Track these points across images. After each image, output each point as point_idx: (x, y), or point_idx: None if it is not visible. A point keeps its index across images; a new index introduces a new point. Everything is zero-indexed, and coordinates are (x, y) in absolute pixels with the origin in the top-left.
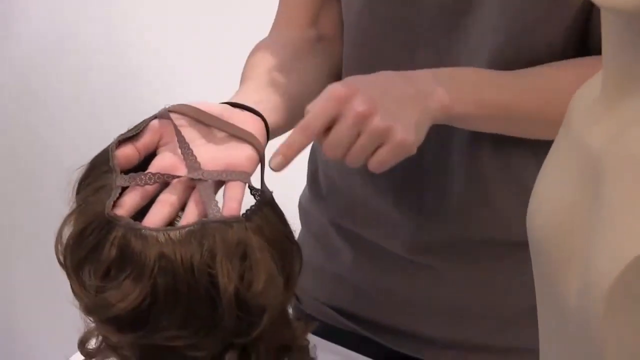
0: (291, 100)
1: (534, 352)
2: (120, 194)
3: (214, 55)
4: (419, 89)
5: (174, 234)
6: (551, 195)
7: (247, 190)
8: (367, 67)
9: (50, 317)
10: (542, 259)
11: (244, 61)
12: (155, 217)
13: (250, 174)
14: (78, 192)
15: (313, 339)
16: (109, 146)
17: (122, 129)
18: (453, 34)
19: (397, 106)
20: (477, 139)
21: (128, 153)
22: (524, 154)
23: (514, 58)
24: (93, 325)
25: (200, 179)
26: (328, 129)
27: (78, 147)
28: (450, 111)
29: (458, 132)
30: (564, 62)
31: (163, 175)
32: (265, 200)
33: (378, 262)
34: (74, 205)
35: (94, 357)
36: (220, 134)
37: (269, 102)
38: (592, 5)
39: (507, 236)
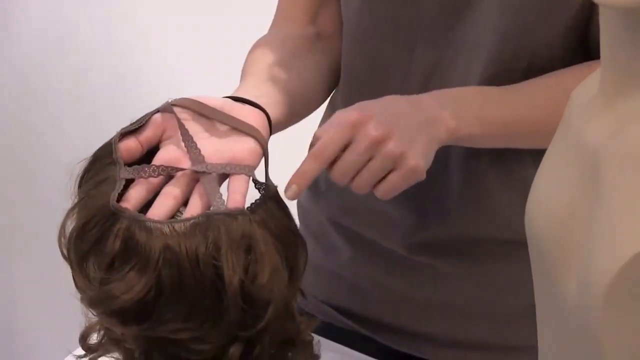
0: (291, 96)
1: (534, 350)
2: (124, 187)
3: (214, 55)
4: (426, 115)
5: (178, 225)
6: (550, 193)
7: (251, 184)
8: (366, 65)
9: (50, 317)
10: (541, 257)
11: (244, 60)
12: (159, 210)
13: (254, 168)
14: (80, 185)
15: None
16: (111, 139)
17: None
18: (452, 33)
19: (409, 132)
20: None
21: (130, 146)
22: (522, 152)
23: (512, 58)
24: (94, 320)
25: (204, 172)
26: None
27: (78, 147)
28: (456, 134)
29: None
30: (565, 70)
31: (167, 167)
32: (269, 194)
33: (377, 261)
34: (77, 199)
35: (95, 352)
36: (223, 128)
37: (269, 97)
38: (593, 5)
39: (506, 235)
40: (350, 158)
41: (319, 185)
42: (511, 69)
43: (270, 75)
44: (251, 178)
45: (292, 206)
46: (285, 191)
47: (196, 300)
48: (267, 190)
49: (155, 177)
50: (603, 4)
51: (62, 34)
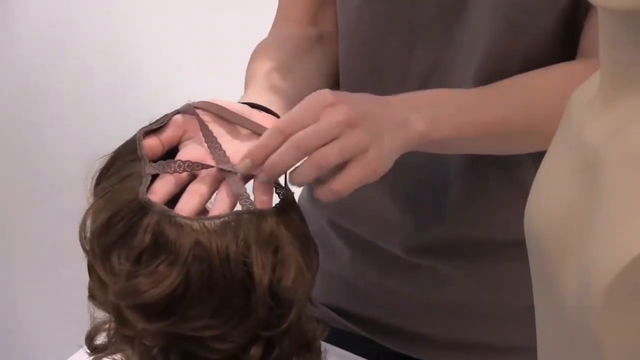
0: (295, 100)
1: (534, 351)
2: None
3: (215, 55)
4: (395, 116)
5: (209, 222)
6: (550, 194)
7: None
8: (365, 66)
9: (50, 317)
10: (540, 257)
11: (244, 61)
12: (186, 206)
13: None
14: (99, 182)
15: None
16: (135, 136)
17: (122, 129)
18: (451, 33)
19: (377, 129)
20: None
21: (152, 144)
22: (522, 160)
23: (506, 57)
24: (101, 319)
25: (230, 171)
26: None
27: (78, 147)
28: (426, 138)
29: None
30: (545, 70)
31: (193, 164)
32: (289, 197)
33: (376, 262)
34: (100, 193)
35: (102, 352)
36: (244, 131)
37: (275, 105)
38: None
39: (506, 236)
40: (311, 130)
41: None
42: (505, 68)
43: (272, 84)
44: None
45: None
46: (242, 168)
47: (224, 298)
48: (287, 194)
49: (180, 172)
50: (601, 6)
51: (62, 34)
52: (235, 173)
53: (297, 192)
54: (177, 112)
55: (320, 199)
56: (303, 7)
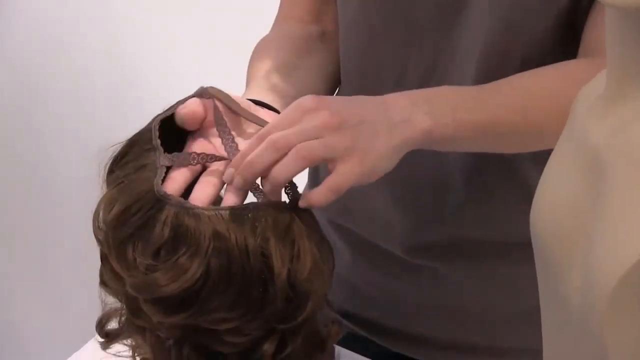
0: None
1: (537, 352)
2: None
3: (214, 55)
4: (393, 116)
5: (225, 213)
6: (555, 192)
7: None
8: (364, 67)
9: (49, 317)
10: (545, 257)
11: (245, 61)
12: (201, 196)
13: None
14: (112, 170)
15: None
16: (151, 124)
17: (122, 129)
18: (451, 34)
19: (368, 133)
20: None
21: (197, 110)
22: (524, 158)
23: (504, 56)
24: (112, 306)
25: None
26: None
27: (78, 147)
28: (429, 136)
29: None
30: (546, 68)
31: (207, 156)
32: (298, 194)
33: (376, 262)
34: (114, 182)
35: (114, 339)
36: (252, 127)
37: (276, 105)
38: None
39: (507, 236)
40: (289, 130)
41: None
42: (505, 67)
43: (274, 82)
44: None
45: None
46: (226, 178)
47: (242, 291)
48: (296, 190)
49: (194, 165)
50: (609, 4)
51: (62, 34)
52: None
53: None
54: (193, 95)
55: (313, 201)
56: (305, 6)
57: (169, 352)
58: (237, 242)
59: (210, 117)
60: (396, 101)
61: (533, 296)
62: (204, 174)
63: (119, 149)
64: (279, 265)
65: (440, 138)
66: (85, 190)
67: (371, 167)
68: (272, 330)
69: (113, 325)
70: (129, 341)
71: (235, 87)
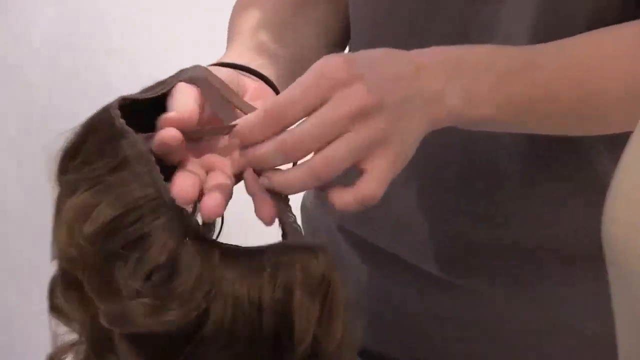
0: (292, 62)
1: None
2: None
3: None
4: (427, 87)
5: (239, 254)
6: (633, 194)
7: None
8: (381, 18)
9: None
10: (621, 271)
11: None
12: (212, 207)
13: None
14: (65, 169)
15: None
16: (110, 104)
17: None
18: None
19: (405, 114)
20: None
21: (191, 111)
22: (594, 138)
23: (566, 12)
24: (66, 340)
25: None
26: None
27: None
28: (456, 116)
29: None
30: (616, 29)
31: (215, 128)
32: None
33: (398, 280)
34: (85, 185)
35: None
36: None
37: (265, 71)
38: None
39: (572, 247)
40: (308, 128)
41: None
42: (564, 28)
43: (263, 40)
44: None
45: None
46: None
47: (245, 350)
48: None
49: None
50: None
51: (63, 34)
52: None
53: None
54: (177, 79)
55: (338, 207)
56: None
57: None
58: (248, 292)
59: (204, 117)
60: (426, 66)
61: (607, 320)
62: (210, 175)
63: (70, 139)
64: (303, 328)
65: (472, 119)
66: None
67: (406, 158)
68: None
69: None
70: None
71: None
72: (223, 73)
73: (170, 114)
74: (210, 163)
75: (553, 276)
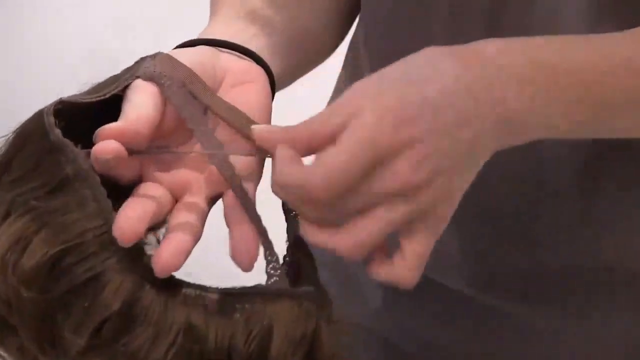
0: (290, 37)
1: None
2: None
3: None
4: (483, 121)
5: (211, 297)
6: None
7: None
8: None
9: None
10: None
11: None
12: (173, 248)
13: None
14: None
15: None
16: (43, 110)
17: None
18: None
19: (460, 166)
20: None
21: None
22: None
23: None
24: None
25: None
26: None
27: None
28: (510, 142)
29: None
30: None
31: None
32: (314, 261)
33: (421, 304)
34: (19, 209)
35: None
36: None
37: (257, 41)
38: None
39: (626, 267)
40: (358, 199)
41: None
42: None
43: (254, 6)
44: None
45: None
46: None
47: None
48: (311, 256)
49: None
50: None
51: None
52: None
53: None
54: (133, 74)
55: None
56: None
57: None
58: (216, 340)
59: (168, 121)
60: (482, 88)
61: None
62: (177, 205)
63: (3, 149)
64: None
65: (523, 136)
66: None
67: (448, 217)
68: None
69: None
70: None
71: None
72: (193, 57)
73: (111, 126)
74: (179, 181)
75: (614, 298)
